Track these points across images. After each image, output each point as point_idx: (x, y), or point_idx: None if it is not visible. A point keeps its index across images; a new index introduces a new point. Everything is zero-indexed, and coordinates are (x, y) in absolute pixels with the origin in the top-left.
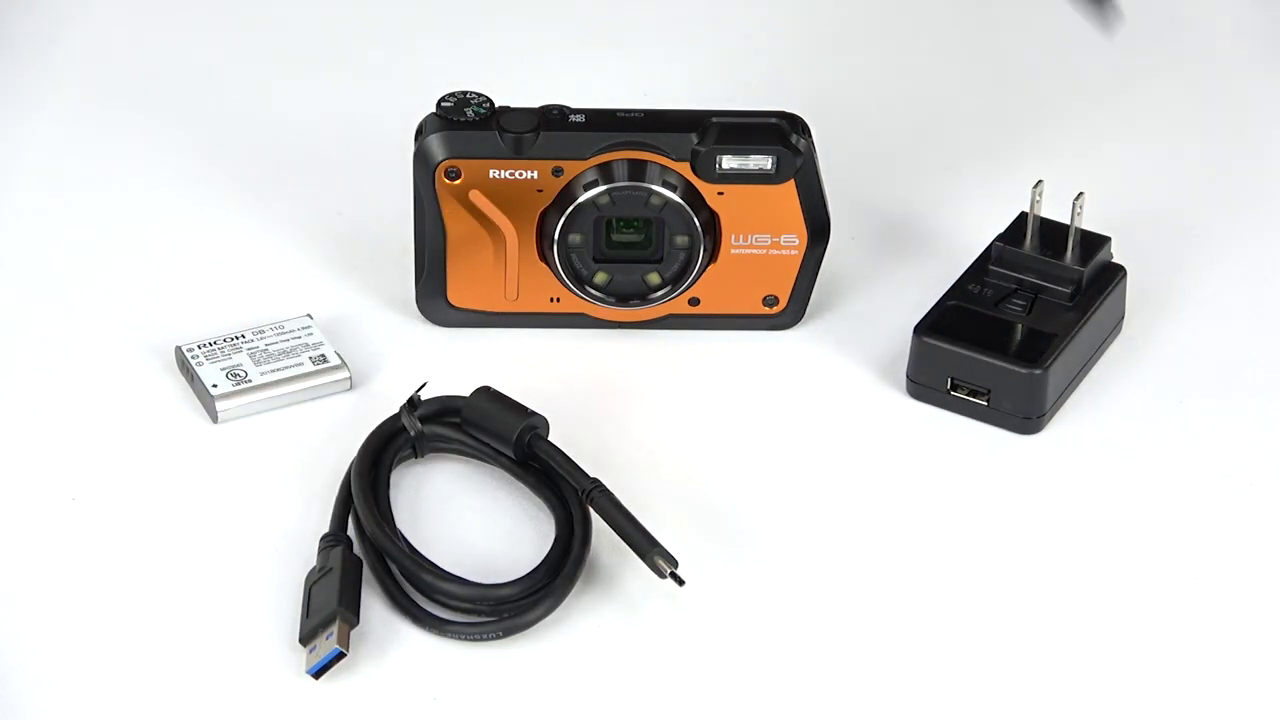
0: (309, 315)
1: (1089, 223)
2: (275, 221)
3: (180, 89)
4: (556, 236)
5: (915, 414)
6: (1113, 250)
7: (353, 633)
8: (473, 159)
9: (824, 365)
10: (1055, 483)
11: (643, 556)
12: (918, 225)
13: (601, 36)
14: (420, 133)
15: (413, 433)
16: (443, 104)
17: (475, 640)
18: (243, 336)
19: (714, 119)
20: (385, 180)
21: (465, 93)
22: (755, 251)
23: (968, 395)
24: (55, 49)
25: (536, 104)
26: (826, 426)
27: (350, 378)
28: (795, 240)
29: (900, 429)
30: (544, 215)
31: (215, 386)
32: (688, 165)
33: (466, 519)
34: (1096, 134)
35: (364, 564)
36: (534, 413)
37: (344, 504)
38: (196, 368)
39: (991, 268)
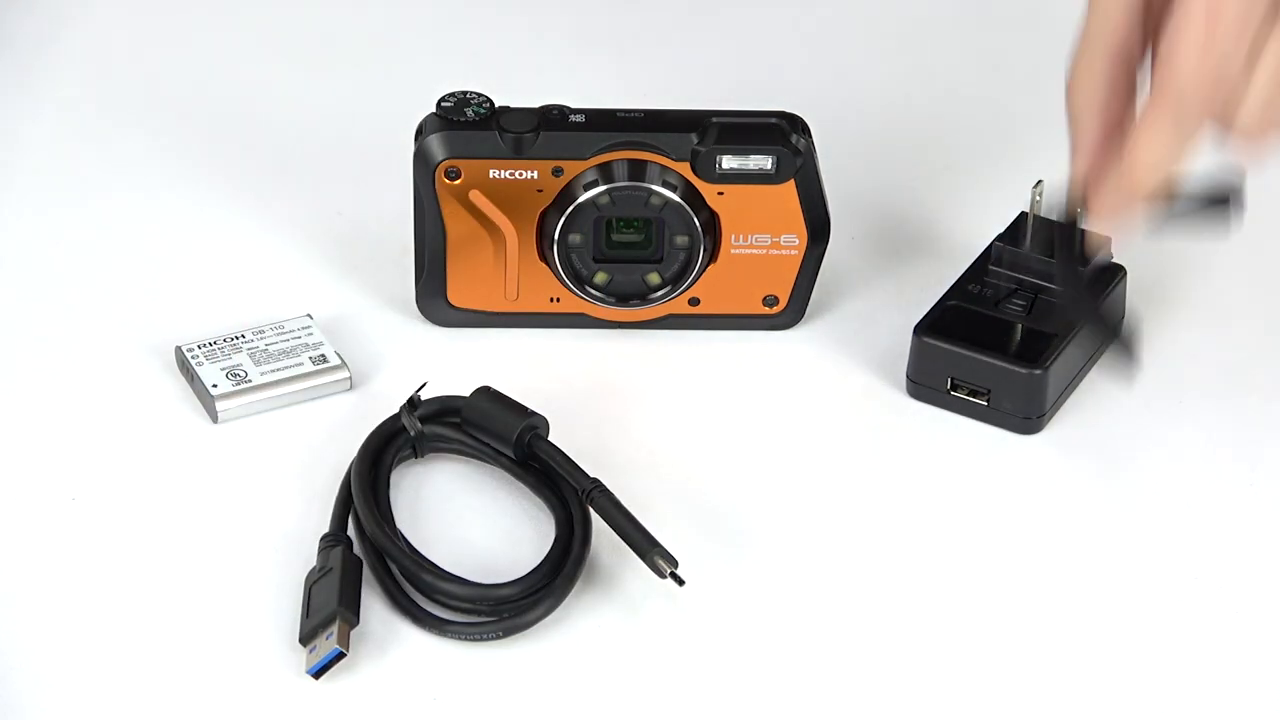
0: (309, 315)
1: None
2: (275, 221)
3: (180, 89)
4: (556, 236)
5: (915, 414)
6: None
7: (353, 633)
8: (473, 159)
9: (824, 365)
10: (1055, 483)
11: (643, 556)
12: (918, 225)
13: (601, 36)
14: (420, 133)
15: (413, 433)
16: (443, 104)
17: (475, 640)
18: (243, 336)
19: (714, 119)
20: (385, 180)
21: (465, 93)
22: (755, 251)
23: (968, 395)
24: (55, 49)
25: (536, 104)
26: (826, 426)
27: (350, 378)
28: (795, 240)
29: (900, 429)
30: (544, 215)
31: (215, 386)
32: (688, 165)
33: (466, 519)
34: None
35: (364, 564)
36: (534, 413)
37: (344, 504)
38: (196, 368)
39: (991, 268)
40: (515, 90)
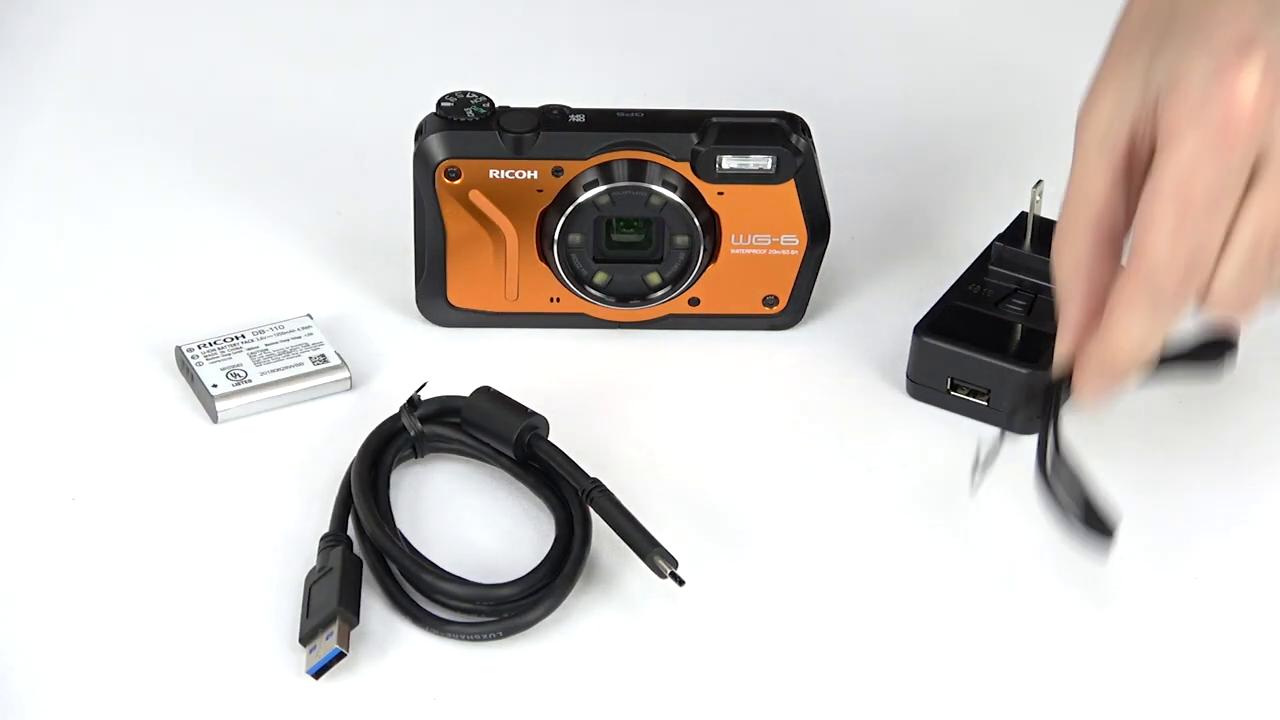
0: (309, 315)
1: None
2: (275, 221)
3: (180, 89)
4: (556, 236)
5: (915, 414)
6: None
7: (353, 633)
8: (473, 159)
9: (824, 365)
10: None
11: (643, 556)
12: (918, 225)
13: (601, 36)
14: (420, 133)
15: (413, 433)
16: (443, 104)
17: (475, 640)
18: (243, 336)
19: (714, 119)
20: (385, 180)
21: (465, 93)
22: (755, 251)
23: (968, 395)
24: (55, 49)
25: (536, 104)
26: (826, 426)
27: (350, 378)
28: (795, 240)
29: (900, 429)
30: (544, 215)
31: (215, 386)
32: (688, 165)
33: (466, 519)
34: None
35: (364, 564)
36: (534, 413)
37: (344, 504)
38: (196, 368)
39: (991, 268)
40: (515, 90)
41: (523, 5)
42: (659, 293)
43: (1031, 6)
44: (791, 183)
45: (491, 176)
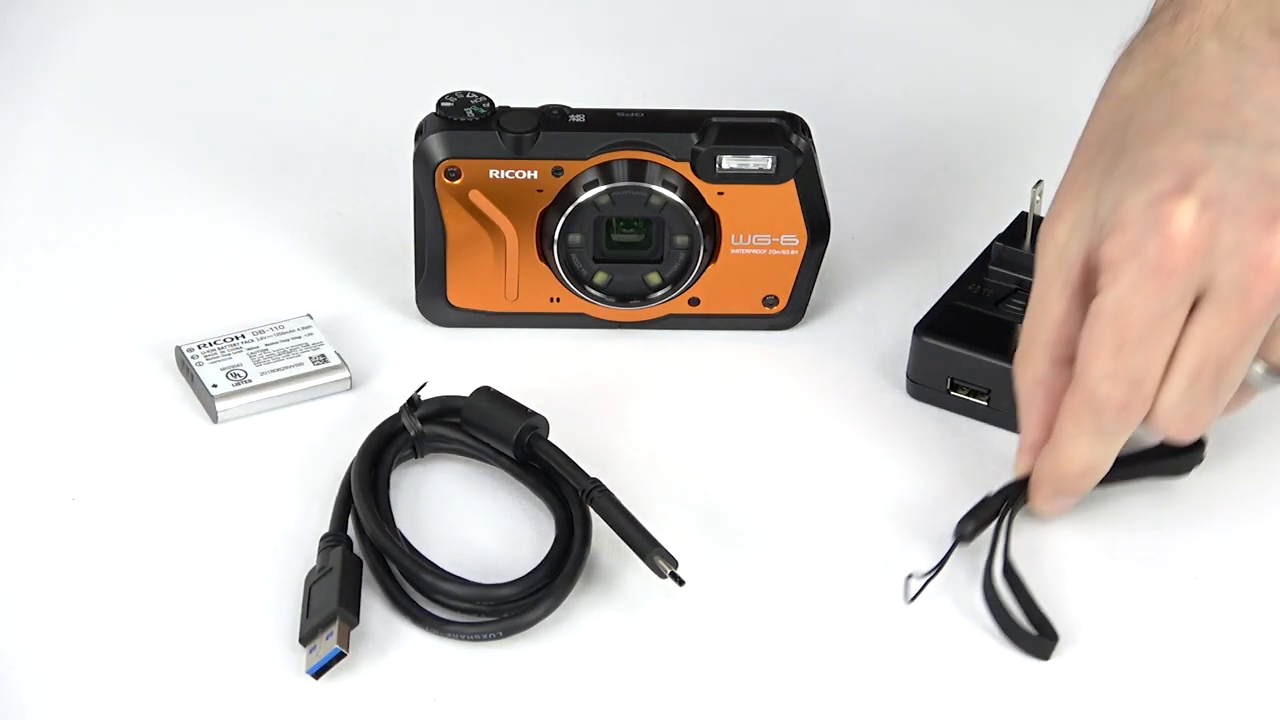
0: (309, 315)
1: None
2: (275, 221)
3: (180, 89)
4: (556, 236)
5: (915, 414)
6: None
7: (353, 633)
8: (473, 159)
9: (824, 365)
10: None
11: (643, 556)
12: (918, 225)
13: (601, 36)
14: (420, 133)
15: (413, 433)
16: (443, 104)
17: (475, 640)
18: (243, 336)
19: (714, 119)
20: (385, 180)
21: (465, 93)
22: (755, 251)
23: (968, 395)
24: (55, 49)
25: (536, 104)
26: (826, 426)
27: (350, 378)
28: (795, 240)
29: (900, 429)
30: (544, 215)
31: (215, 386)
32: (688, 165)
33: (466, 519)
34: None
35: (364, 564)
36: (534, 413)
37: (344, 504)
38: (196, 368)
39: (991, 268)
40: (515, 90)
41: (523, 5)
42: (659, 293)
43: (1031, 7)
44: (791, 183)
45: (491, 176)
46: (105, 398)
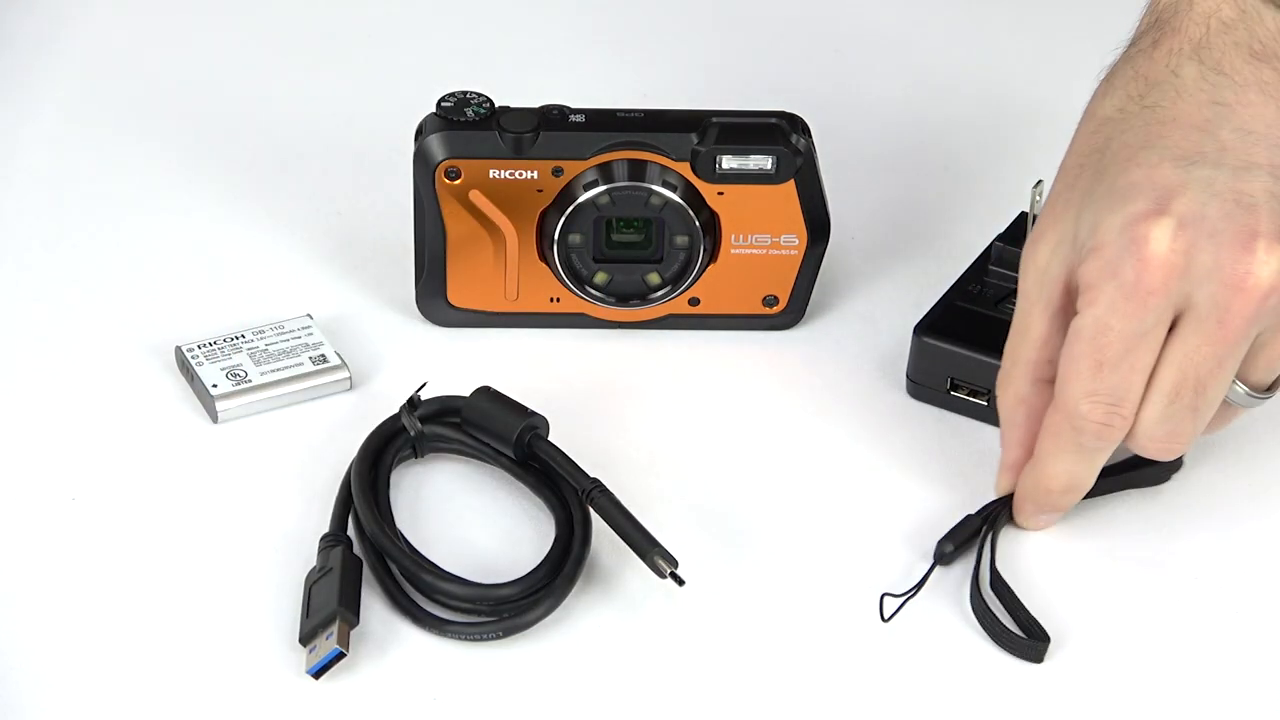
0: (309, 315)
1: None
2: (275, 221)
3: (180, 89)
4: (556, 236)
5: (915, 414)
6: None
7: (353, 633)
8: (473, 159)
9: (824, 365)
10: None
11: (643, 556)
12: (918, 225)
13: (601, 36)
14: (420, 133)
15: (413, 433)
16: (443, 104)
17: (475, 640)
18: (243, 336)
19: (714, 119)
20: (385, 180)
21: (465, 93)
22: (755, 251)
23: (968, 395)
24: (55, 49)
25: (536, 104)
26: (826, 426)
27: (350, 378)
28: (795, 240)
29: (900, 429)
30: (544, 215)
31: (215, 386)
32: (688, 165)
33: (466, 519)
34: None
35: (364, 564)
36: (534, 413)
37: (344, 504)
38: (196, 368)
39: (991, 268)
40: (515, 90)
41: (523, 5)
42: (659, 293)
43: (1032, 7)
44: (791, 183)
45: (491, 176)
46: (105, 398)
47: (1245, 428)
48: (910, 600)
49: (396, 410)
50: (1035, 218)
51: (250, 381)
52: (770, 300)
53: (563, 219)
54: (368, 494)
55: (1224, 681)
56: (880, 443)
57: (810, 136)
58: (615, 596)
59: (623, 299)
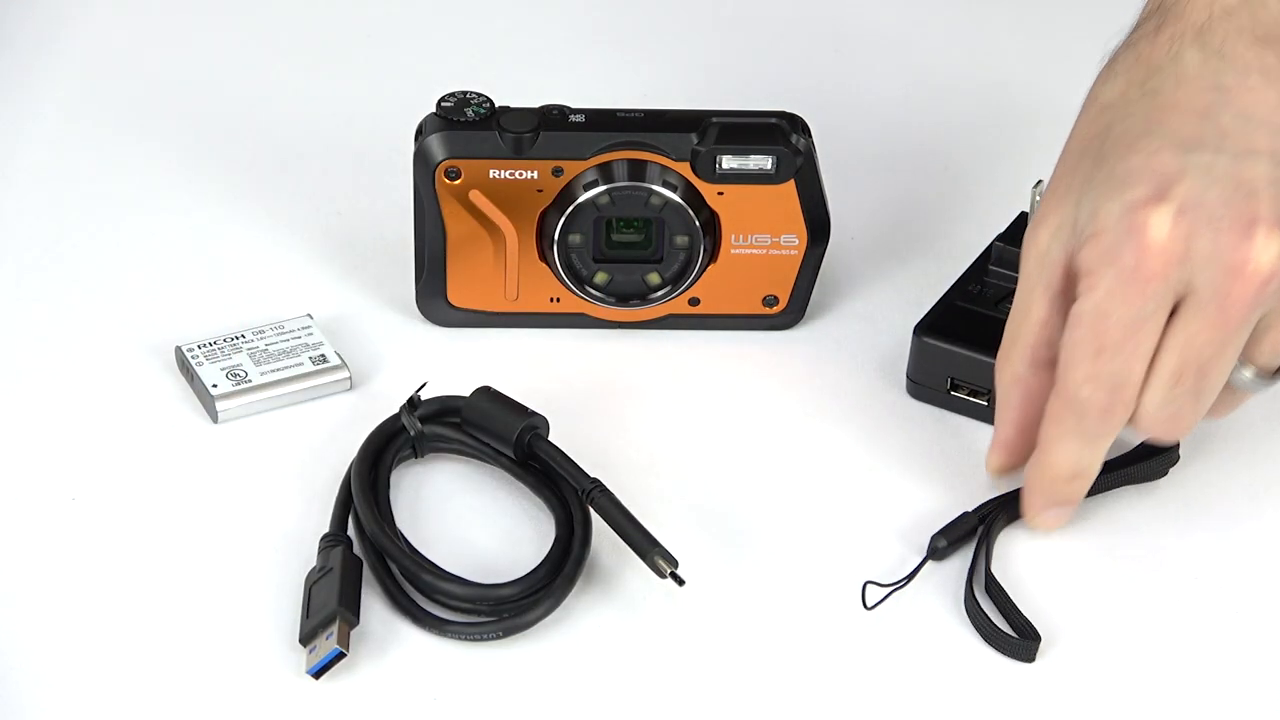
0: (309, 315)
1: None
2: (275, 221)
3: (180, 89)
4: (556, 236)
5: (915, 414)
6: None
7: (353, 633)
8: (473, 159)
9: (824, 365)
10: None
11: (643, 556)
12: (918, 225)
13: (601, 36)
14: (420, 133)
15: (413, 433)
16: (443, 104)
17: (475, 640)
18: (243, 336)
19: (714, 119)
20: (385, 180)
21: (465, 93)
22: (755, 251)
23: (968, 395)
24: (55, 49)
25: (536, 104)
26: (826, 426)
27: (350, 378)
28: (795, 240)
29: (900, 429)
30: (544, 215)
31: (215, 386)
32: (688, 165)
33: (466, 519)
34: None
35: (364, 564)
36: (534, 413)
37: (344, 504)
38: (196, 368)
39: (991, 268)
40: (515, 90)
41: (523, 5)
42: (659, 293)
43: (1032, 7)
44: (791, 183)
45: (491, 176)
46: (105, 398)
47: (1244, 427)
48: (899, 592)
49: (396, 410)
50: None
51: (250, 381)
52: (770, 300)
53: (563, 219)
54: (368, 494)
55: (1219, 681)
56: (880, 443)
57: (810, 136)
58: (615, 596)
59: (623, 299)
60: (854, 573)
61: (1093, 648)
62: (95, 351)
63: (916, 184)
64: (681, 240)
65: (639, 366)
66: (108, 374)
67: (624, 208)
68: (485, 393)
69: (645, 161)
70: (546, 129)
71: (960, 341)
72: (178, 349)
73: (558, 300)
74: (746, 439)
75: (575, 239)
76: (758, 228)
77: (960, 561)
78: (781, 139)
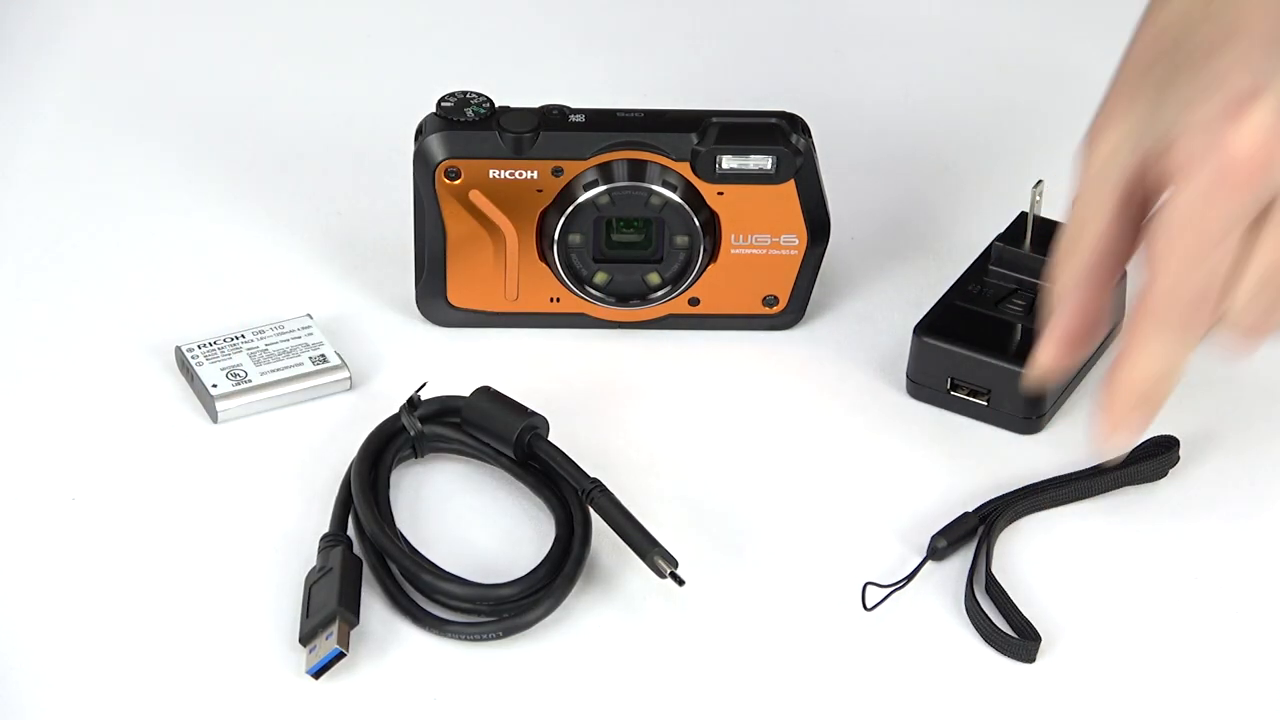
0: (309, 315)
1: None
2: (275, 221)
3: (180, 89)
4: (556, 236)
5: (915, 414)
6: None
7: (353, 633)
8: (473, 159)
9: (824, 365)
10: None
11: (643, 556)
12: (918, 225)
13: (601, 36)
14: (420, 133)
15: (413, 433)
16: (443, 104)
17: (475, 640)
18: (243, 336)
19: (714, 119)
20: (385, 180)
21: (465, 93)
22: (755, 251)
23: (968, 395)
24: (55, 49)
25: (536, 104)
26: (826, 426)
27: (350, 378)
28: (795, 240)
29: (900, 429)
30: (544, 215)
31: (215, 386)
32: (688, 165)
33: (466, 519)
34: None
35: (364, 564)
36: (534, 413)
37: (344, 504)
38: (196, 368)
39: (991, 268)
40: (515, 90)
41: (523, 5)
42: (659, 293)
43: (1032, 7)
44: (791, 183)
45: (491, 176)
46: (105, 398)
47: (1244, 427)
48: (899, 592)
49: (396, 410)
50: (1035, 217)
51: (250, 381)
52: (770, 300)
53: (563, 219)
54: (368, 494)
55: (1219, 681)
56: (880, 443)
57: (810, 136)
58: (615, 596)
59: (623, 299)
60: (854, 573)
61: (1093, 648)
62: (95, 351)
63: (916, 184)
64: (681, 240)
65: (639, 366)
66: (108, 374)
67: (624, 208)
68: (485, 393)
69: (645, 161)
70: (546, 129)
71: (960, 341)
72: (178, 349)
73: (558, 300)
74: (746, 439)
75: (575, 239)
76: (758, 228)
77: (960, 561)
78: (781, 139)
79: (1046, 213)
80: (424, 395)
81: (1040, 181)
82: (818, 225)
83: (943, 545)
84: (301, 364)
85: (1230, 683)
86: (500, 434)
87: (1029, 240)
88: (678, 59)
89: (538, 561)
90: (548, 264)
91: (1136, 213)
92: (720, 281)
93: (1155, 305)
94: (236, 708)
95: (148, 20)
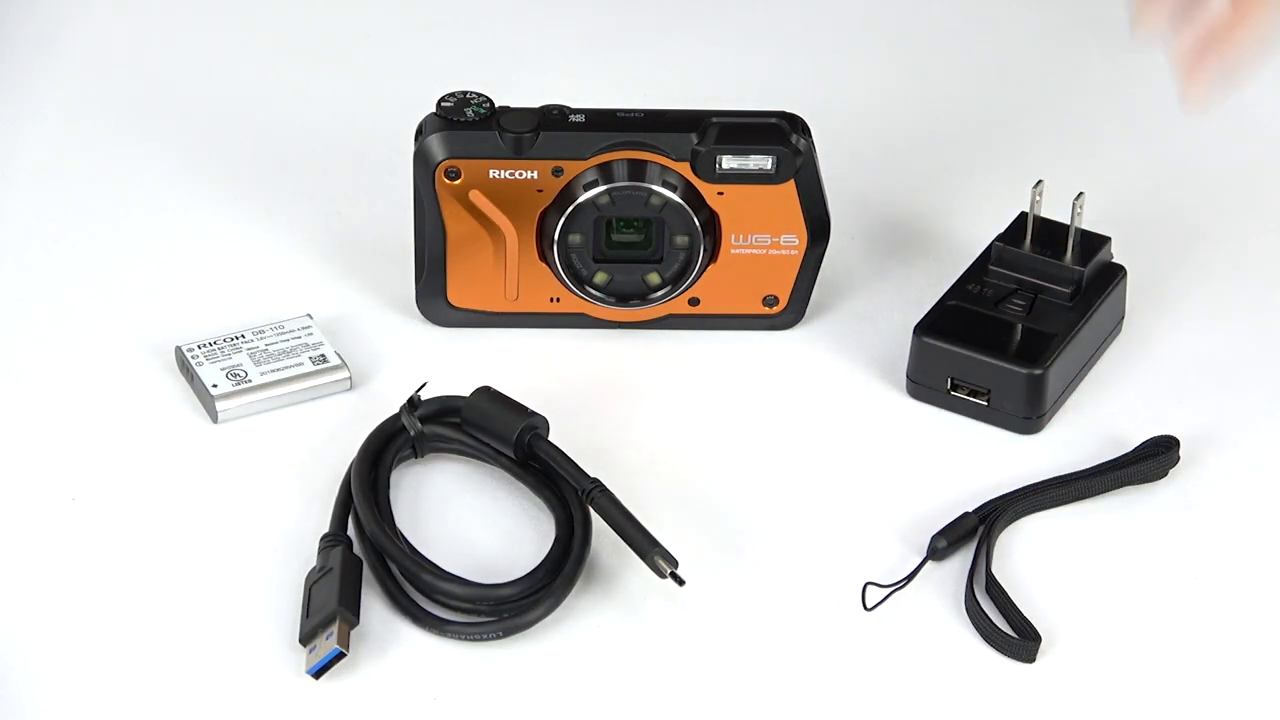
0: (309, 315)
1: (1089, 223)
2: (275, 221)
3: (180, 89)
4: (556, 236)
5: (915, 414)
6: (1113, 250)
7: (353, 633)
8: (473, 159)
9: (824, 365)
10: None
11: (643, 556)
12: (918, 225)
13: (601, 36)
14: (420, 133)
15: (413, 433)
16: (443, 104)
17: (475, 640)
18: (243, 336)
19: (714, 119)
20: (385, 180)
21: (465, 93)
22: (755, 251)
23: (968, 395)
24: (55, 49)
25: (536, 104)
26: (826, 426)
27: (350, 378)
28: (795, 240)
29: (900, 429)
30: (544, 215)
31: (215, 386)
32: (688, 165)
33: (466, 519)
34: (1096, 134)
35: (364, 564)
36: (534, 413)
37: (344, 504)
38: (196, 368)
39: (991, 268)
40: (515, 90)
41: (523, 5)
42: (659, 293)
43: (1031, 7)
44: (791, 183)
45: (491, 176)
46: (105, 398)
47: (1244, 426)
48: (899, 592)
49: (396, 410)
50: (1035, 217)
51: (250, 381)
52: (770, 300)
53: (563, 219)
54: (368, 494)
55: (1219, 681)
56: (880, 443)
57: (810, 136)
58: (615, 596)
59: (623, 299)
60: (854, 573)
61: (1093, 648)
62: (95, 351)
63: (917, 184)
64: (681, 240)
65: (639, 366)
66: (108, 374)
67: (624, 208)
68: (485, 393)
69: (645, 161)
70: (546, 129)
71: (960, 341)
72: (178, 349)
73: (558, 300)
74: (746, 439)
75: (575, 239)
76: (758, 228)
77: (960, 561)
78: (781, 139)
79: (1046, 213)
80: (424, 395)
81: (1040, 181)
82: (818, 225)
83: (943, 545)
84: (301, 364)
85: (1230, 682)
86: (500, 434)
87: (1029, 240)
88: (678, 59)
89: (538, 562)
90: (548, 264)
91: None
92: (720, 281)
93: None
94: (237, 708)
95: (148, 20)
